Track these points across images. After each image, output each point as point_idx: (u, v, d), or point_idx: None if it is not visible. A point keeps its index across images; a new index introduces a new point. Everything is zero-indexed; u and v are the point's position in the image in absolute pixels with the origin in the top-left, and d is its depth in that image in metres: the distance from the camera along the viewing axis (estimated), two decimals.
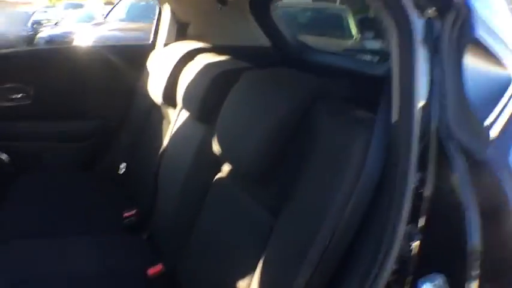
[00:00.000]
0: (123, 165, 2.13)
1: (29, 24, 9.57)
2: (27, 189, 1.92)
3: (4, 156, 2.10)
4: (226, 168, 1.28)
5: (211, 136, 1.28)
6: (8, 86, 2.06)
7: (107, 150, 2.25)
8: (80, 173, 2.17)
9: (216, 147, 1.24)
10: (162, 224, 1.55)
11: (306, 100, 1.06)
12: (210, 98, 1.41)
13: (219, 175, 1.29)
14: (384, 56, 1.72)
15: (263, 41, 1.92)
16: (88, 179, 2.12)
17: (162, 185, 1.62)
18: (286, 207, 0.99)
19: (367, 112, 0.95)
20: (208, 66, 1.54)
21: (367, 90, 1.04)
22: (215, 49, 1.78)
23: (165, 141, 1.68)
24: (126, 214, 1.75)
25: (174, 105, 1.74)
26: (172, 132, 1.63)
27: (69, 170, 2.17)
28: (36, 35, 8.95)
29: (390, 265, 0.81)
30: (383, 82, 0.90)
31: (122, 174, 2.12)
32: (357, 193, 0.84)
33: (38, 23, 9.80)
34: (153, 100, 1.89)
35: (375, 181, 0.85)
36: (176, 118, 1.67)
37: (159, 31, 2.28)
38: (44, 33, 8.69)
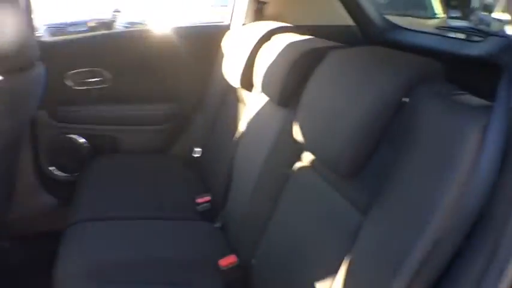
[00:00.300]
0: (198, 150, 2.09)
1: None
2: (102, 171, 1.94)
3: (82, 140, 2.13)
4: (307, 157, 1.17)
5: (292, 121, 1.19)
6: (85, 69, 2.08)
7: (183, 134, 2.22)
8: (155, 156, 2.16)
9: (297, 134, 1.13)
10: (236, 213, 1.48)
11: (412, 80, 0.91)
12: (291, 80, 1.31)
13: (299, 164, 1.19)
14: (478, 34, 1.52)
15: (345, 20, 1.79)
16: (163, 163, 2.10)
17: (237, 172, 1.54)
18: (379, 205, 0.87)
19: (481, 99, 0.81)
20: (289, 46, 1.44)
21: (465, 71, 0.89)
22: (295, 29, 1.68)
23: (242, 126, 1.61)
24: (199, 200, 1.70)
25: (251, 89, 1.66)
26: (250, 117, 1.55)
27: (145, 153, 2.16)
28: (114, 21, 9.19)
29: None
30: (480, 63, 0.75)
31: (197, 158, 2.08)
32: (469, 194, 0.71)
33: (117, 11, 10.04)
34: (229, 83, 1.82)
35: (491, 180, 0.71)
36: (254, 102, 1.58)
37: (236, 11, 2.20)
38: (122, 19, 8.91)
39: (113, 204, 1.67)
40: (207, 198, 1.70)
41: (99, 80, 2.10)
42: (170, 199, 1.75)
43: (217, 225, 1.62)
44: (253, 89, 1.65)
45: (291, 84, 1.30)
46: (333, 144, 0.98)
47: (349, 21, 1.86)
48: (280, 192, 1.23)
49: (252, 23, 2.01)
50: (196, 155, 2.09)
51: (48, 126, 2.07)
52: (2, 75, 1.41)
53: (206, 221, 1.64)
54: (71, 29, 7.22)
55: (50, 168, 2.13)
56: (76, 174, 2.12)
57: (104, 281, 1.27)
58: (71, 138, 2.12)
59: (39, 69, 1.68)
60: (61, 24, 7.19)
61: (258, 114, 1.51)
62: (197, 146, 2.09)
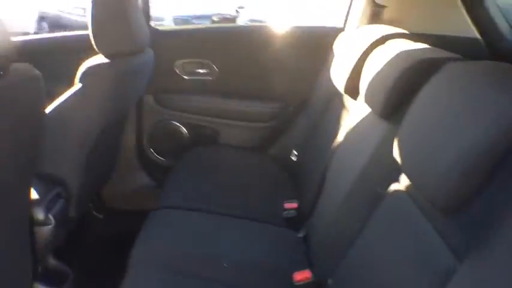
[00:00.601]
0: (295, 153, 2.02)
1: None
2: (198, 161, 1.95)
3: (183, 128, 2.17)
4: (405, 179, 1.04)
5: (393, 136, 1.06)
6: (194, 60, 2.11)
7: (283, 135, 2.17)
8: (252, 154, 2.13)
9: (396, 153, 1.01)
10: (321, 226, 1.39)
11: None
12: (397, 90, 1.18)
13: (395, 186, 1.06)
14: None
15: (467, 32, 1.60)
16: (258, 161, 2.07)
17: (329, 183, 1.45)
18: (479, 251, 0.72)
19: None
20: (400, 54, 1.30)
21: None
22: (412, 36, 1.53)
23: (341, 135, 1.50)
24: (286, 205, 1.63)
25: (356, 96, 1.55)
26: (350, 127, 1.44)
27: (242, 150, 2.14)
28: (237, 17, 9.41)
29: None
30: None
31: (293, 161, 2.02)
32: None
33: (241, 7, 10.27)
34: (335, 87, 1.73)
35: None
36: (357, 111, 1.47)
37: (352, 13, 2.09)
38: (245, 16, 9.10)
39: (201, 196, 1.67)
40: (295, 204, 1.63)
41: (207, 72, 2.12)
42: (258, 199, 1.71)
43: (300, 234, 1.53)
44: (358, 97, 1.54)
45: (397, 96, 1.17)
46: (434, 171, 0.84)
47: (473, 33, 1.67)
48: (370, 212, 1.11)
49: (367, 26, 1.89)
50: (293, 158, 2.03)
51: (153, 110, 2.14)
52: (113, 58, 1.46)
53: (290, 228, 1.57)
54: (195, 21, 7.52)
55: (150, 150, 2.20)
56: (173, 160, 2.16)
57: (172, 271, 1.26)
58: (172, 125, 2.17)
59: (149, 55, 1.72)
60: (187, 16, 7.53)
61: (358, 124, 1.40)
62: (296, 149, 2.03)
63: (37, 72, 1.03)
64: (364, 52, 1.52)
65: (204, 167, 1.90)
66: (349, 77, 1.55)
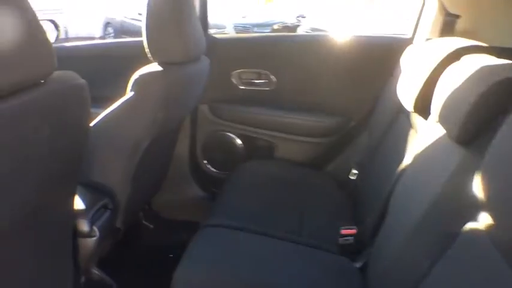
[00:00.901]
0: (355, 172, 1.89)
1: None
2: (251, 175, 1.86)
3: (238, 140, 2.10)
4: (485, 219, 0.89)
5: (472, 166, 0.92)
6: (252, 70, 2.03)
7: (343, 152, 2.05)
8: (309, 171, 2.01)
9: (477, 187, 0.87)
10: (382, 258, 1.25)
11: None
12: (478, 114, 1.02)
13: (472, 225, 0.92)
14: None
15: None
16: (315, 178, 1.95)
17: (394, 211, 1.31)
18: None
19: None
20: (480, 72, 1.14)
21: None
22: (490, 49, 1.37)
23: (408, 158, 1.36)
24: (344, 231, 1.51)
25: (427, 116, 1.41)
26: (420, 150, 1.29)
27: (299, 165, 2.03)
28: (298, 26, 9.34)
29: None
30: None
31: (352, 181, 1.89)
32: None
33: (302, 16, 10.21)
34: (402, 104, 1.59)
35: None
36: (427, 132, 1.33)
37: (420, 23, 1.94)
38: (306, 25, 9.00)
39: (253, 214, 1.57)
40: (353, 231, 1.50)
41: (264, 83, 2.04)
42: (313, 222, 1.59)
43: (357, 265, 1.41)
44: (429, 117, 1.40)
45: (478, 120, 1.02)
46: None
47: None
48: (442, 252, 0.97)
49: (438, 38, 1.74)
50: (352, 177, 1.90)
51: (207, 120, 2.08)
52: (167, 66, 1.41)
53: (346, 256, 1.44)
54: (256, 29, 7.53)
55: (204, 161, 2.14)
56: (227, 172, 2.09)
57: None
58: (227, 136, 2.10)
59: (205, 64, 1.66)
60: (248, 24, 7.54)
61: (429, 147, 1.25)
62: (356, 167, 1.90)
63: (81, 81, 0.98)
64: (437, 68, 1.38)
65: (257, 182, 1.81)
66: (419, 95, 1.41)
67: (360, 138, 2.01)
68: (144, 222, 2.00)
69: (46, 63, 0.87)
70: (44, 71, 0.87)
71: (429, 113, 1.37)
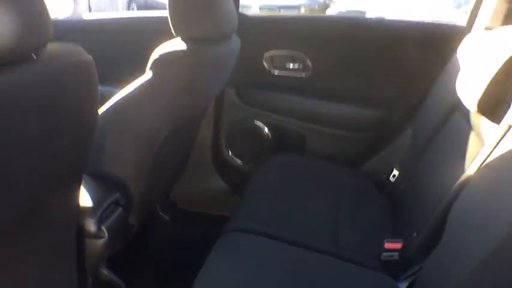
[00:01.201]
0: (395, 173, 1.69)
1: None
2: (280, 171, 1.66)
3: (266, 132, 1.90)
4: None
5: None
6: (288, 53, 1.83)
7: (381, 149, 1.83)
8: (344, 169, 1.80)
9: None
10: (437, 284, 1.06)
11: None
12: None
13: None
14: None
15: None
16: (351, 178, 1.74)
17: (455, 227, 1.10)
18: None
19: None
20: None
21: None
22: None
23: (473, 168, 1.15)
24: (388, 244, 1.31)
25: (494, 117, 1.19)
26: (490, 161, 1.08)
27: (333, 162, 1.82)
28: (329, 7, 8.99)
29: None
30: None
31: (392, 183, 1.68)
32: None
33: None
34: (459, 101, 1.37)
35: None
36: (497, 137, 1.12)
37: (481, 10, 1.71)
38: (337, 6, 8.63)
39: (281, 218, 1.38)
40: (398, 245, 1.30)
41: (299, 68, 1.83)
42: (350, 230, 1.40)
43: (402, 286, 1.21)
44: (497, 119, 1.18)
45: None
46: None
47: None
48: None
49: (501, 27, 1.51)
50: (392, 179, 1.70)
51: (233, 106, 1.89)
52: (193, 44, 1.22)
53: (388, 274, 1.25)
54: (283, 11, 7.31)
55: (227, 150, 1.96)
56: (252, 164, 1.91)
57: None
58: (254, 124, 1.91)
59: (235, 44, 1.47)
60: (274, 5, 7.30)
61: (504, 157, 1.04)
62: (396, 168, 1.69)
63: (86, 57, 0.79)
64: (507, 62, 1.16)
65: (286, 179, 1.62)
66: (485, 92, 1.19)
67: (402, 135, 1.79)
68: (160, 213, 1.83)
69: (38, 33, 0.67)
70: (34, 41, 0.67)
71: (500, 115, 1.16)
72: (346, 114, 1.82)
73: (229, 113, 1.91)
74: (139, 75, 1.19)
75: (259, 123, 1.90)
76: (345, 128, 1.84)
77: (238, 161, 1.95)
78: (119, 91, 1.21)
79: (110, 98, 1.21)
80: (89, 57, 0.79)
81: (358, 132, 1.84)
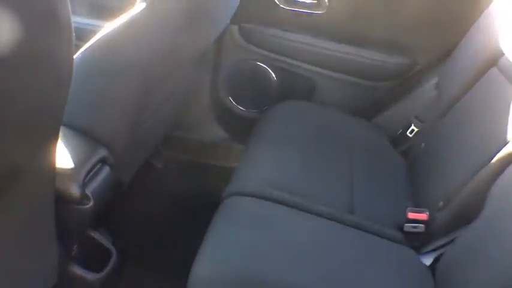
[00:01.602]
0: (414, 128, 1.52)
1: None
2: (287, 121, 1.48)
3: (272, 75, 1.69)
4: None
5: None
6: None
7: (399, 101, 1.63)
8: (360, 122, 1.62)
9: None
10: (465, 269, 0.91)
11: None
12: None
13: None
14: None
15: None
16: (364, 130, 1.57)
17: (495, 204, 0.94)
18: None
19: None
20: None
21: None
22: None
23: None
24: (411, 214, 1.16)
25: None
26: None
27: (347, 113, 1.63)
28: None
29: None
30: None
31: (410, 139, 1.52)
32: None
33: None
34: (497, 53, 1.19)
35: None
36: None
37: None
38: None
39: (290, 179, 1.22)
40: (423, 215, 1.15)
41: (314, 3, 1.60)
42: (367, 194, 1.24)
43: (427, 261, 1.08)
44: None
45: None
46: None
47: None
48: None
49: None
50: (409, 134, 1.53)
51: (235, 45, 1.66)
52: None
53: (411, 247, 1.11)
54: None
55: (227, 96, 1.76)
56: (255, 111, 1.72)
57: None
58: (259, 67, 1.69)
59: None
60: None
61: None
62: (415, 123, 1.52)
63: None
64: None
65: (294, 131, 1.44)
66: None
67: (424, 87, 1.59)
68: (152, 161, 1.65)
69: None
70: None
71: None
72: (363, 60, 1.62)
73: (230, 53, 1.69)
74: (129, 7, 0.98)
75: (264, 66, 1.69)
76: (361, 75, 1.64)
77: (240, 108, 1.75)
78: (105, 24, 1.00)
79: (94, 32, 1.00)
80: None
81: (375, 81, 1.64)
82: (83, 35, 1.04)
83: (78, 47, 1.05)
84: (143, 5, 0.94)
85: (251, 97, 1.73)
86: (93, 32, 1.01)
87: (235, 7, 1.32)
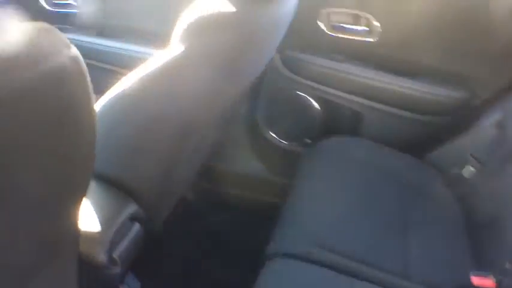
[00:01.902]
0: (471, 169, 1.37)
1: None
2: (333, 160, 1.37)
3: (315, 107, 1.57)
4: None
5: None
6: (350, 11, 1.47)
7: (454, 137, 1.48)
8: (409, 159, 1.48)
9: None
10: None
11: None
12: None
13: None
14: None
15: None
16: (417, 171, 1.43)
17: None
18: None
19: None
20: None
21: None
22: None
23: None
24: (476, 280, 1.01)
25: None
26: None
27: (392, 147, 1.50)
28: None
29: None
30: None
31: (465, 180, 1.38)
32: None
33: None
34: None
35: None
36: None
37: None
38: None
39: (337, 238, 1.09)
40: (490, 282, 1.01)
41: (364, 31, 1.48)
42: (423, 256, 1.11)
43: None
44: None
45: None
46: None
47: None
48: None
49: None
50: (465, 175, 1.38)
51: (277, 75, 1.56)
52: (240, 7, 0.89)
53: None
54: None
55: (266, 127, 1.65)
56: (295, 144, 1.61)
57: None
58: (301, 97, 1.58)
59: (292, 2, 1.14)
60: None
61: None
62: (471, 163, 1.37)
63: (71, 51, 0.46)
64: None
65: (343, 172, 1.32)
66: None
67: (483, 124, 1.45)
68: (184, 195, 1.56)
69: None
70: None
71: None
72: (416, 93, 1.48)
73: (271, 83, 1.58)
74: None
75: (307, 97, 1.57)
76: (412, 109, 1.50)
77: (279, 140, 1.64)
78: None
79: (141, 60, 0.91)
80: (72, 51, 0.46)
81: (428, 115, 1.50)
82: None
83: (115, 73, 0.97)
84: (180, 48, 0.84)
85: (292, 130, 1.62)
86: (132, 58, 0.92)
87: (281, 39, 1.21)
